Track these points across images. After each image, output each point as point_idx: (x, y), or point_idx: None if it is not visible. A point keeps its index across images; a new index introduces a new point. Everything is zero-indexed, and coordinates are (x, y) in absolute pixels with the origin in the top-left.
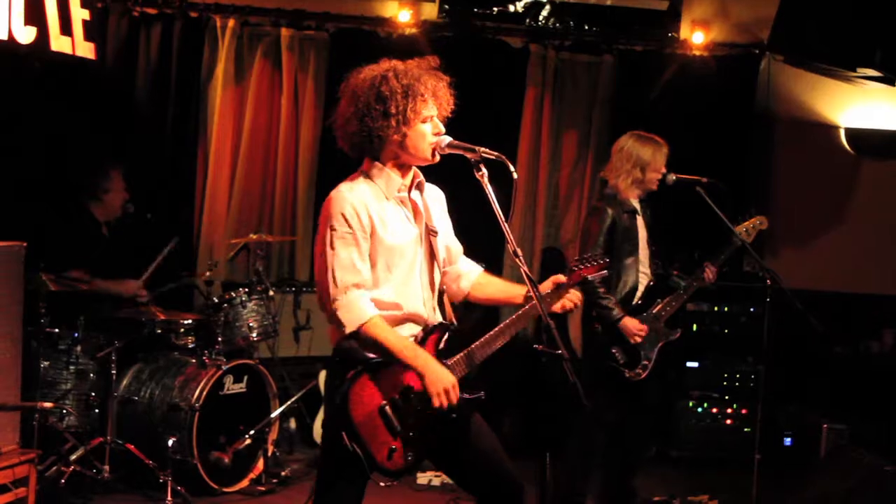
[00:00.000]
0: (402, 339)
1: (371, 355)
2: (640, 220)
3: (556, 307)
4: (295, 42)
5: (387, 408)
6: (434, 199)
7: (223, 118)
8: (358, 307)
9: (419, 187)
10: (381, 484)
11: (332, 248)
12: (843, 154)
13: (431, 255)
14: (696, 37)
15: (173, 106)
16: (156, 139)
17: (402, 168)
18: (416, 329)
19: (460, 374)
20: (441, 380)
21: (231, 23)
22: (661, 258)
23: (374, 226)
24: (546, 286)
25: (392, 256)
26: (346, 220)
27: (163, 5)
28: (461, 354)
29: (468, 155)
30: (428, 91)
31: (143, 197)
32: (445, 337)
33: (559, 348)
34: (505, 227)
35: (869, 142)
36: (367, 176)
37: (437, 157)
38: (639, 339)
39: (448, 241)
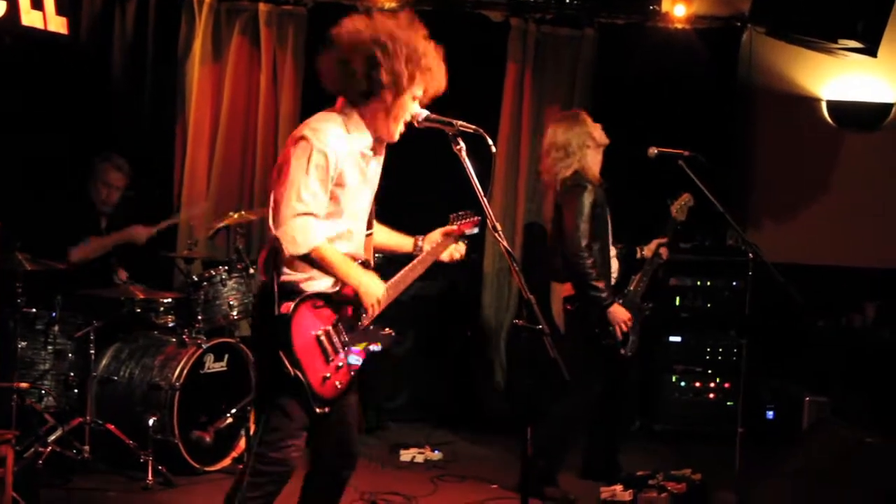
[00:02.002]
0: (345, 262)
1: (304, 289)
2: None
3: (444, 257)
4: (273, 17)
5: (322, 336)
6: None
7: (201, 95)
8: (310, 231)
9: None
10: (318, 410)
11: (307, 172)
12: (825, 126)
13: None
14: (677, 9)
15: (150, 83)
16: (134, 117)
17: (372, 125)
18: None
19: (380, 309)
20: (374, 293)
21: None
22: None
23: (339, 173)
24: (434, 237)
25: (349, 196)
26: (324, 157)
27: None
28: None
29: (446, 129)
30: (430, 73)
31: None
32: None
33: (539, 323)
34: (483, 201)
35: (850, 114)
36: (345, 119)
37: (397, 138)
38: (624, 329)
39: None
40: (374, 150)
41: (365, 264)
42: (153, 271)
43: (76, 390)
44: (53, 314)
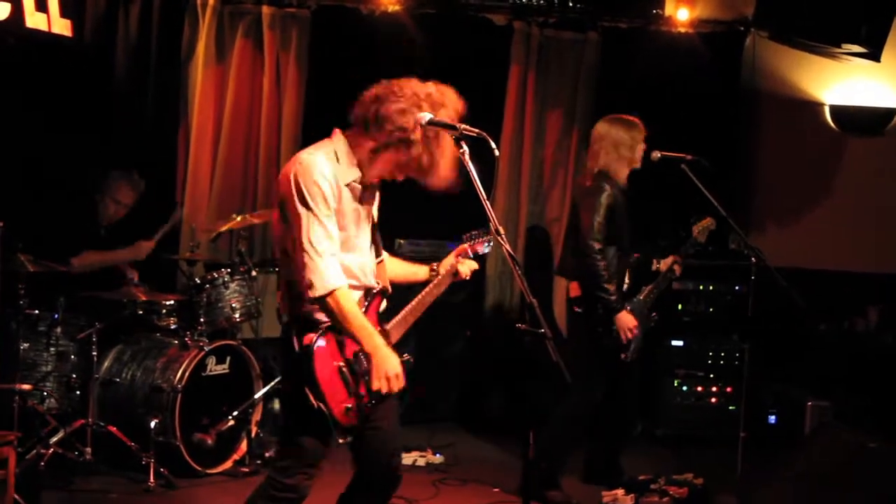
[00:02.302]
0: (362, 317)
1: (324, 319)
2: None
3: (461, 275)
4: (276, 20)
5: (344, 368)
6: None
7: (204, 97)
8: (330, 274)
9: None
10: (340, 441)
11: (315, 213)
12: (828, 131)
13: (372, 223)
14: (680, 13)
15: (153, 85)
16: (137, 119)
17: (372, 164)
18: (357, 294)
19: (397, 337)
20: (387, 366)
21: (212, 0)
22: (644, 237)
23: (340, 198)
24: (449, 261)
25: (348, 229)
26: (322, 193)
27: None
28: (398, 318)
29: (448, 132)
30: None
31: None
32: (385, 302)
33: (542, 327)
34: (486, 204)
35: (853, 118)
36: (335, 150)
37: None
38: (629, 336)
39: None
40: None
41: (384, 293)
42: (155, 273)
43: (78, 392)
44: (56, 316)
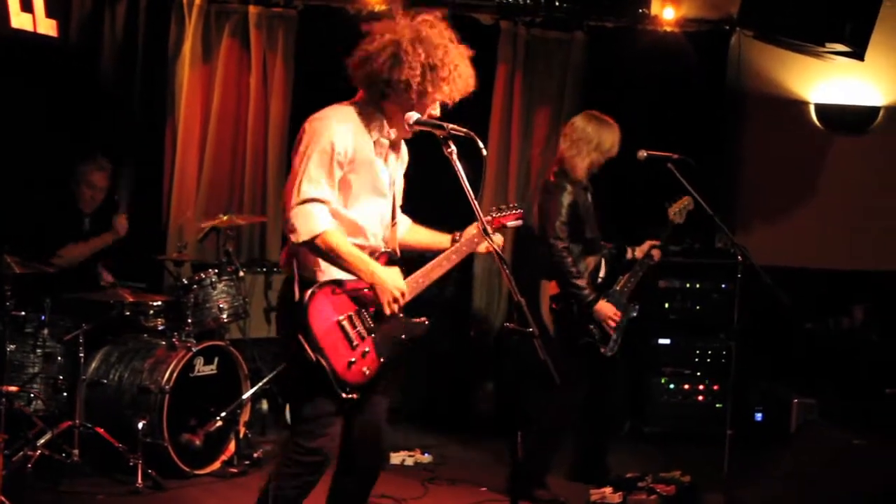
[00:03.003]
0: (355, 250)
1: (325, 276)
2: (589, 197)
3: (481, 249)
4: (263, 20)
5: (344, 321)
6: (403, 154)
7: (191, 97)
8: (315, 217)
9: (398, 142)
10: (344, 395)
11: (307, 162)
12: (813, 129)
13: (395, 193)
14: (666, 12)
15: (140, 84)
16: (122, 118)
17: (390, 120)
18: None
19: (408, 298)
20: (390, 288)
21: (198, 0)
22: (617, 233)
23: (355, 154)
24: (471, 231)
25: (365, 186)
26: (331, 141)
27: None
28: (410, 279)
29: (436, 132)
30: (453, 81)
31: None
32: (388, 261)
33: (530, 326)
34: (475, 203)
35: (838, 117)
36: (360, 110)
37: (410, 132)
38: (612, 324)
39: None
40: (393, 144)
41: (391, 255)
42: (142, 274)
43: (65, 394)
44: (42, 317)
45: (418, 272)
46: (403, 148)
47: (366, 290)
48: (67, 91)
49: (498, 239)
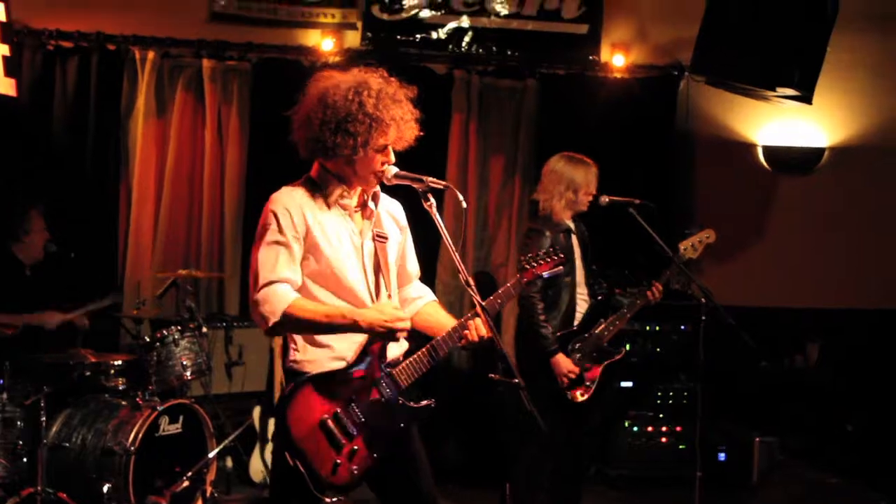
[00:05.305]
0: (326, 307)
1: (310, 371)
2: (574, 240)
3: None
4: (217, 73)
5: (328, 421)
6: (388, 210)
7: (145, 152)
8: (277, 296)
9: (374, 197)
10: (327, 501)
11: (258, 250)
12: (762, 171)
13: (377, 262)
14: (616, 59)
15: (93, 141)
16: (76, 175)
17: (349, 180)
18: (360, 337)
19: (408, 381)
20: (378, 318)
21: (151, 55)
22: (598, 276)
23: (309, 229)
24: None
25: (331, 262)
26: (277, 222)
27: (79, 38)
28: (406, 362)
29: (415, 185)
30: (393, 122)
31: (65, 235)
32: (388, 345)
33: (515, 377)
34: (456, 256)
35: (785, 158)
36: (312, 181)
37: (376, 184)
38: (565, 382)
39: (402, 259)
40: (361, 207)
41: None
42: (98, 331)
43: (25, 459)
44: (1, 381)
45: (420, 351)
46: (387, 202)
47: (356, 381)
48: (20, 147)
49: (478, 326)
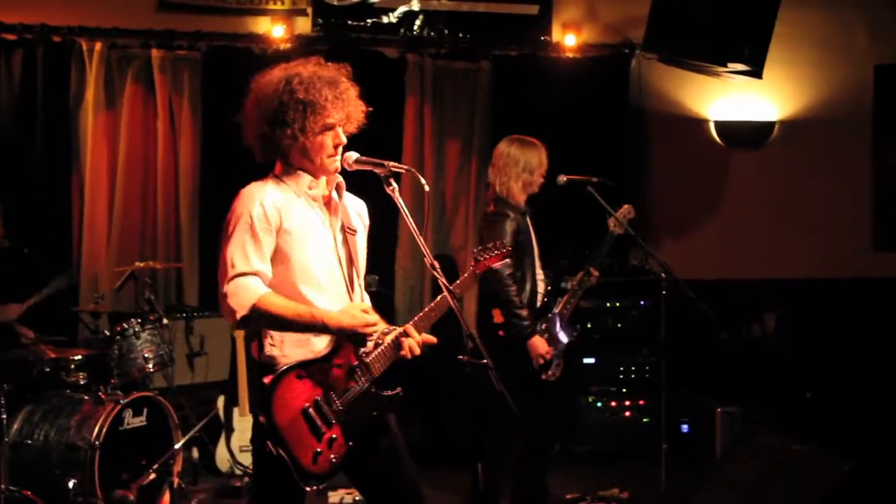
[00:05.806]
0: (297, 305)
1: (288, 361)
2: (529, 221)
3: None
4: (167, 63)
5: (310, 409)
6: (353, 206)
7: (96, 145)
8: (247, 290)
9: (337, 189)
10: (308, 489)
11: (227, 243)
12: (714, 146)
13: (350, 255)
14: (567, 39)
15: (42, 135)
16: (26, 170)
17: (308, 170)
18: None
19: (380, 370)
20: (349, 323)
21: (98, 46)
22: (549, 258)
23: (281, 222)
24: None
25: (306, 253)
26: (248, 214)
27: (22, 30)
28: (377, 351)
29: (377, 170)
30: (328, 102)
31: (18, 230)
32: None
33: (484, 358)
34: (420, 240)
35: (737, 133)
36: (278, 178)
37: (337, 169)
38: (541, 362)
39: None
40: (327, 198)
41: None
42: (56, 327)
43: None
44: None
45: (387, 339)
46: (351, 199)
47: (334, 369)
48: None
49: (413, 341)
